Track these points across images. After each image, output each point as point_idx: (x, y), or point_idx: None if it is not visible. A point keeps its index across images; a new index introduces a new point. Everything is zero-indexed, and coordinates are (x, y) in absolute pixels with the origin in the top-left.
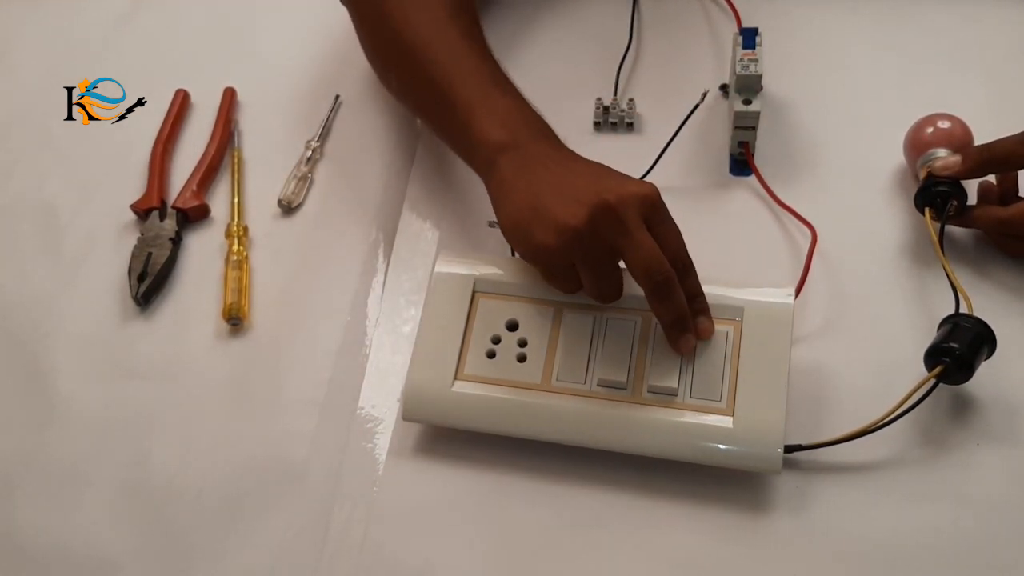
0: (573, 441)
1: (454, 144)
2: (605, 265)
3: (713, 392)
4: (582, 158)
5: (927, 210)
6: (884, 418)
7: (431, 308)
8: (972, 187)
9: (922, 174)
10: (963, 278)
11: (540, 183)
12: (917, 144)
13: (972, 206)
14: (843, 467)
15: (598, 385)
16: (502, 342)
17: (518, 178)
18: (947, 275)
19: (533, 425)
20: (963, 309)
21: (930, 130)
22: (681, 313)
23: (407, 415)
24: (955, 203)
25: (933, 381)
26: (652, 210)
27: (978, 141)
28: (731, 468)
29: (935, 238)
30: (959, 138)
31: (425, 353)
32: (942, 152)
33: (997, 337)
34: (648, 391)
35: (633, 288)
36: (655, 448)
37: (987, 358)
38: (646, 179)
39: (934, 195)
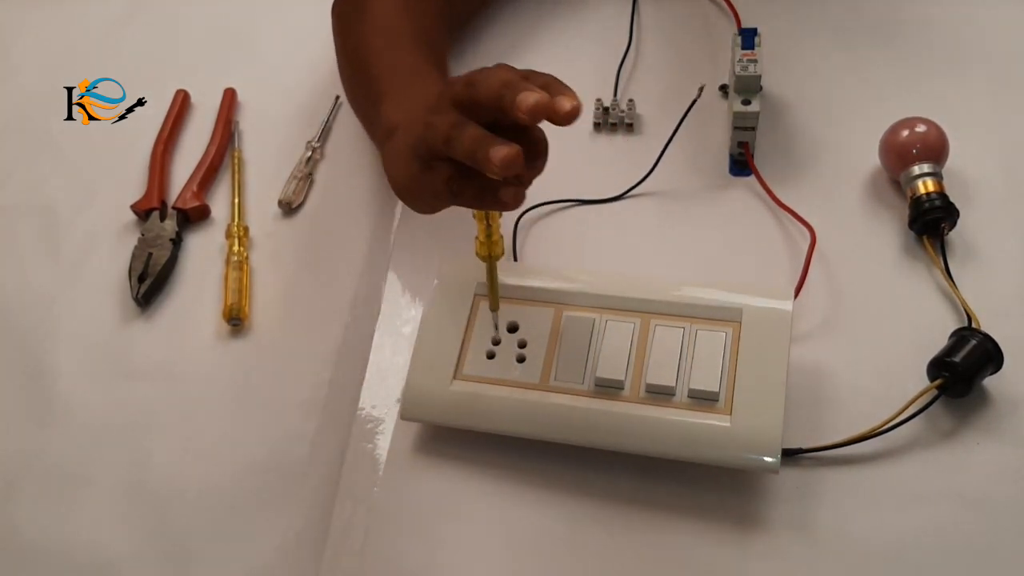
0: (570, 440)
1: (369, 130)
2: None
3: (711, 392)
4: None
5: (925, 239)
6: (882, 425)
7: (432, 310)
8: (965, 202)
9: (908, 193)
10: (967, 285)
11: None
12: (892, 147)
13: None
14: (843, 467)
15: (596, 384)
16: (502, 343)
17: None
18: (955, 296)
19: (530, 424)
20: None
21: (905, 133)
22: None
23: (406, 414)
24: (945, 226)
25: (933, 393)
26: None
27: (963, 144)
28: (729, 466)
29: (941, 266)
30: (934, 142)
31: (425, 354)
32: (926, 167)
33: (1001, 337)
34: (645, 390)
35: (633, 291)
36: (652, 446)
37: (993, 373)
38: (646, 180)
39: (926, 223)
